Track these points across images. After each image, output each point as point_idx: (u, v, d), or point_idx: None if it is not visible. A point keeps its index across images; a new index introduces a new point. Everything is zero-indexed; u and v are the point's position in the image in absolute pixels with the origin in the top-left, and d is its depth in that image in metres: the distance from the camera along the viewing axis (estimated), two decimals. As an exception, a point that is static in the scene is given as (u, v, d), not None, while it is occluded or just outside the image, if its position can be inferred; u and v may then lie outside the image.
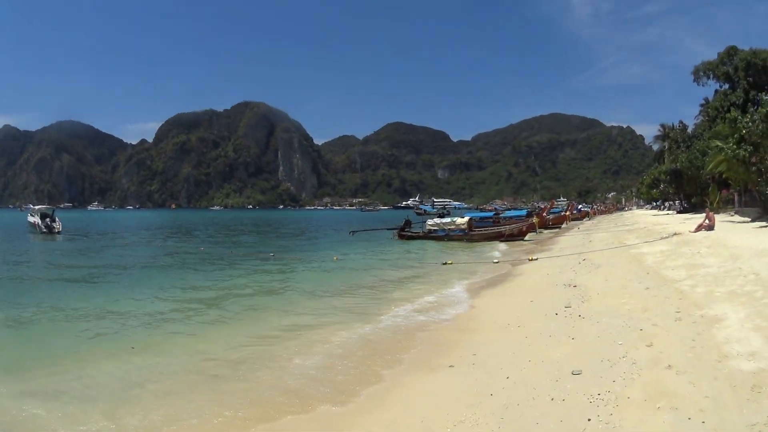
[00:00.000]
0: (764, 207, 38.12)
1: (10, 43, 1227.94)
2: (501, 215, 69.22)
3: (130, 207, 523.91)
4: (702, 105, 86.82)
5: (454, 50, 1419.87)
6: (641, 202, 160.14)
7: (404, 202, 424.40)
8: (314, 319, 16.71)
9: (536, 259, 30.46)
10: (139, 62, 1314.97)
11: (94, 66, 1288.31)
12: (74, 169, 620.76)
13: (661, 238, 29.10)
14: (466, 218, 54.34)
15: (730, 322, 10.23)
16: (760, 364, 7.79)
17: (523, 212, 69.35)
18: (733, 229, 30.11)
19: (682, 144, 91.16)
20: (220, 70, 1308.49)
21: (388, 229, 61.61)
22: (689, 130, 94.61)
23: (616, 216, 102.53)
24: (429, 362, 11.62)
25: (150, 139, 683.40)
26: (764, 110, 33.86)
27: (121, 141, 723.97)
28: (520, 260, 31.75)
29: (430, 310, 17.55)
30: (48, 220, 69.61)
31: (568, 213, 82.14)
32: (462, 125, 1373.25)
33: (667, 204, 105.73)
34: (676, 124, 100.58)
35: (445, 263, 31.76)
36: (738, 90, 73.80)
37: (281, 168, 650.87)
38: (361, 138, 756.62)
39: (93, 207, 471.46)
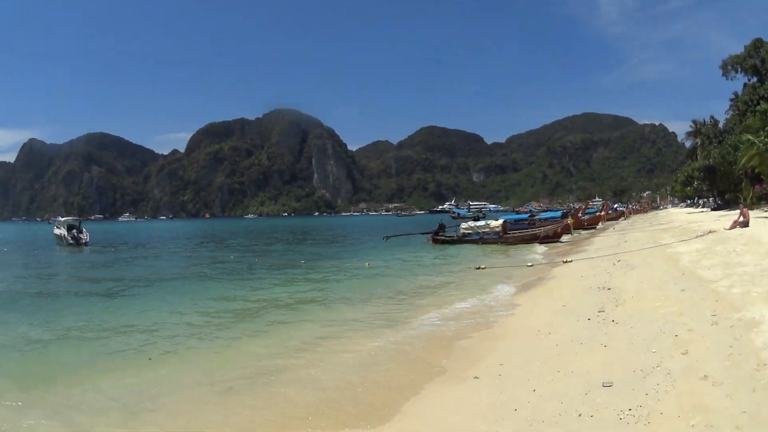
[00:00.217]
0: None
1: (35, 58, 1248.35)
2: (536, 217, 68.57)
3: (163, 217, 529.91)
4: (732, 99, 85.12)
5: (485, 52, 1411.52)
6: (676, 200, 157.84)
7: (440, 206, 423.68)
8: (340, 329, 16.33)
9: (571, 261, 29.89)
10: (168, 73, 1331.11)
11: (123, 78, 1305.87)
12: (105, 180, 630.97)
13: (696, 237, 28.25)
14: (501, 221, 53.62)
15: (768, 326, 9.67)
16: (803, 372, 7.27)
17: (558, 213, 68.49)
18: (768, 225, 29.30)
19: (714, 140, 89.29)
20: (251, 78, 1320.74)
21: (422, 234, 61.01)
22: (720, 125, 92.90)
23: (651, 215, 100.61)
24: (454, 373, 11.23)
25: (181, 150, 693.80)
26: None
27: (152, 152, 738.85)
28: (554, 263, 31.17)
29: (461, 318, 17.10)
30: (75, 231, 69.52)
31: (603, 213, 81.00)
32: (495, 127, 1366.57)
33: (701, 201, 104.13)
34: (707, 119, 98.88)
35: (479, 267, 31.10)
36: (767, 82, 72.45)
37: (316, 175, 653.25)
38: (395, 143, 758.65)
39: (124, 218, 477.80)
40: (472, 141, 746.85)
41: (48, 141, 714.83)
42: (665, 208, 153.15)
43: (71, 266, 42.35)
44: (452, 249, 48.35)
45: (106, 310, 20.16)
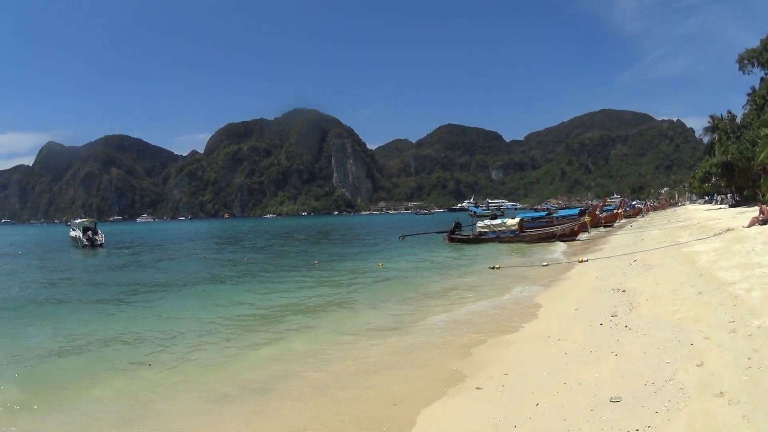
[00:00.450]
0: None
1: (53, 61, 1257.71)
2: (553, 215, 67.97)
3: (183, 218, 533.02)
4: (749, 94, 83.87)
5: (503, 50, 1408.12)
6: (694, 197, 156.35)
7: (459, 204, 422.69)
8: (344, 334, 15.79)
9: (586, 261, 29.24)
10: (186, 74, 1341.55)
11: (142, 80, 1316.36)
12: (124, 182, 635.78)
13: (714, 235, 27.42)
14: (517, 219, 52.99)
15: (791, 336, 8.96)
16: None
17: (576, 211, 67.78)
18: (789, 223, 28.42)
19: (731, 135, 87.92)
20: (269, 78, 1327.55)
21: (438, 233, 60.48)
22: (738, 120, 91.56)
23: (669, 212, 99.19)
24: (456, 383, 10.64)
25: (201, 150, 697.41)
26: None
27: (171, 153, 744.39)
28: (570, 262, 30.55)
29: (470, 322, 16.44)
30: (90, 233, 68.85)
31: (620, 211, 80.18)
32: (514, 125, 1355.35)
33: (719, 198, 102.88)
34: (725, 114, 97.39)
35: (493, 267, 30.62)
36: (784, 76, 71.45)
37: (335, 174, 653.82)
38: (414, 141, 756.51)
39: (142, 219, 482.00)
40: (491, 138, 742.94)
41: (66, 144, 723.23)
42: (683, 204, 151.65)
43: (83, 270, 41.87)
44: (468, 248, 47.88)
45: (109, 317, 19.59)
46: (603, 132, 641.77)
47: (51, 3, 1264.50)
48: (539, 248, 42.83)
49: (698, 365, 8.45)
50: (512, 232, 50.54)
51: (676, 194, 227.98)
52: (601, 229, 61.63)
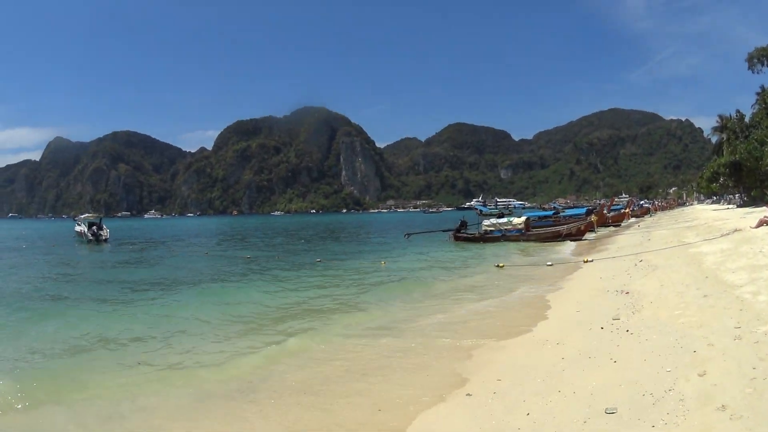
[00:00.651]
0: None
1: (61, 56, 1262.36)
2: (561, 214, 67.56)
3: (191, 214, 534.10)
4: (758, 93, 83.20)
5: (512, 49, 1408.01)
6: (702, 197, 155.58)
7: (467, 203, 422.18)
8: (337, 334, 15.33)
9: (591, 261, 28.72)
10: (196, 71, 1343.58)
11: (150, 76, 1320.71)
12: (132, 178, 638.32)
13: (722, 236, 26.89)
14: (523, 218, 52.67)
15: (799, 344, 8.45)
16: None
17: (583, 210, 67.25)
18: (798, 224, 27.86)
19: (740, 134, 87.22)
20: (279, 76, 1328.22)
21: (443, 231, 59.96)
22: (746, 119, 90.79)
23: (677, 212, 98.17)
24: (447, 389, 10.17)
25: (209, 147, 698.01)
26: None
27: (179, 149, 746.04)
28: (574, 262, 30.06)
29: (467, 322, 15.99)
30: (95, 228, 69.08)
31: (627, 210, 79.62)
32: (523, 124, 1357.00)
33: (727, 198, 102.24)
34: (734, 114, 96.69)
35: (497, 266, 30.33)
36: (794, 75, 70.83)
37: (344, 172, 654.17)
38: (423, 140, 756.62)
39: (150, 215, 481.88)
40: (500, 137, 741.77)
41: (74, 139, 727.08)
42: (691, 204, 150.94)
43: (84, 265, 41.22)
44: (473, 247, 47.56)
45: (104, 315, 19.08)
46: (612, 131, 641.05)
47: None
48: (545, 247, 42.45)
49: (700, 375, 7.96)
50: (518, 231, 50.09)
51: (684, 194, 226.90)
52: (610, 228, 61.08)
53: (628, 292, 16.55)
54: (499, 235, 50.66)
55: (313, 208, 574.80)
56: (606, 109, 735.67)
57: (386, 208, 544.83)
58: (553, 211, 72.29)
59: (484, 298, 20.24)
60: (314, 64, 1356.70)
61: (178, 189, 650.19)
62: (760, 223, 27.46)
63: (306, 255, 44.33)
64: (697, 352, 9.11)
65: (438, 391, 10.07)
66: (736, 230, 27.66)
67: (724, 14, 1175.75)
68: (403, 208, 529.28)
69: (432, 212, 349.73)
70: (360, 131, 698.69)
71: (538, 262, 32.05)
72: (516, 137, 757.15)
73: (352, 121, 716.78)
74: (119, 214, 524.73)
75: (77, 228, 76.25)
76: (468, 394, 9.63)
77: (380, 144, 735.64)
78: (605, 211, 66.02)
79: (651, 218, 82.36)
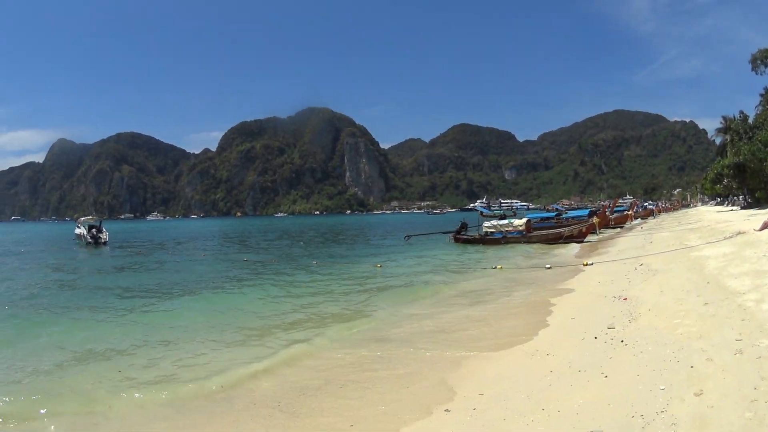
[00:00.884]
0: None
1: (64, 59, 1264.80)
2: (563, 215, 67.11)
3: (194, 216, 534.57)
4: (762, 94, 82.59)
5: (516, 49, 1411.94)
6: (706, 199, 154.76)
7: (471, 204, 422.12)
8: (313, 341, 14.77)
9: (591, 264, 28.00)
10: (199, 72, 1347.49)
11: (154, 78, 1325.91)
12: (135, 179, 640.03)
13: (725, 238, 26.16)
14: (524, 220, 52.12)
15: (806, 360, 7.72)
16: None
17: (586, 212, 66.78)
18: (804, 227, 27.12)
19: (743, 135, 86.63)
20: (283, 77, 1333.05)
21: (443, 233, 59.91)
22: (750, 120, 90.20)
23: (681, 213, 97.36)
24: (424, 403, 9.58)
25: (213, 149, 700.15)
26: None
27: (183, 151, 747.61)
28: (573, 265, 29.28)
29: (454, 329, 15.40)
30: (94, 230, 69.09)
31: (630, 212, 78.99)
32: (527, 124, 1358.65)
33: (731, 199, 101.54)
34: (737, 115, 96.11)
35: (495, 268, 30.15)
36: (798, 76, 70.26)
37: (348, 173, 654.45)
38: (427, 140, 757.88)
39: (152, 217, 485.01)
40: (504, 138, 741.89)
41: (78, 141, 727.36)
42: (695, 206, 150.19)
43: (80, 270, 40.10)
44: (473, 248, 47.35)
45: (88, 324, 18.39)
46: (616, 133, 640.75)
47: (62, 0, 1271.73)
48: (548, 249, 42.02)
49: (696, 394, 7.25)
50: (519, 232, 49.68)
51: (689, 196, 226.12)
52: (615, 229, 60.51)
53: (626, 298, 15.87)
54: (500, 237, 50.29)
55: (317, 210, 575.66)
56: (610, 110, 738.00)
57: (390, 210, 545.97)
58: (555, 213, 71.82)
59: (477, 303, 19.64)
60: (318, 64, 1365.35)
61: (181, 190, 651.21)
62: (765, 226, 26.64)
63: (303, 259, 43.48)
64: (694, 367, 8.40)
65: (417, 406, 9.48)
66: (739, 233, 26.86)
67: (727, 16, 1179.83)
68: (407, 209, 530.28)
69: (436, 213, 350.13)
70: (364, 132, 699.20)
71: (537, 264, 31.50)
72: (520, 138, 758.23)
73: (357, 122, 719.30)
74: (122, 216, 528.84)
75: (77, 231, 76.41)
76: (446, 410, 9.04)
77: (384, 145, 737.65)
78: (608, 213, 65.30)
79: (654, 220, 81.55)
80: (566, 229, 49.36)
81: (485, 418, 8.34)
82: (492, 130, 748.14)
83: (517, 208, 72.49)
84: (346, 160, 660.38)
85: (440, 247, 49.29)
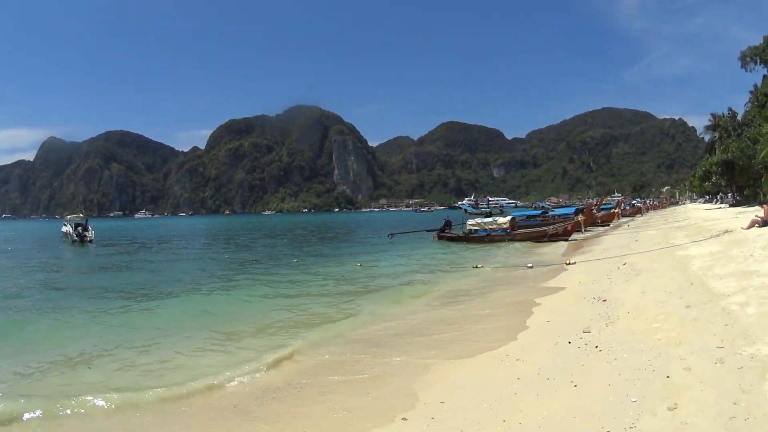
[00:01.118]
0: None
1: (53, 57, 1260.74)
2: (549, 213, 66.75)
3: (183, 214, 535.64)
4: (752, 91, 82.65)
5: (505, 47, 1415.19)
6: (694, 196, 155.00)
7: (459, 202, 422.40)
8: (282, 354, 13.70)
9: (574, 263, 27.45)
10: (188, 70, 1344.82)
11: (142, 76, 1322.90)
12: (124, 177, 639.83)
13: (711, 237, 25.60)
14: (508, 218, 51.82)
15: (792, 372, 7.08)
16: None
17: (572, 210, 66.43)
18: (792, 225, 26.58)
19: (732, 132, 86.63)
20: (271, 75, 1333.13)
21: (427, 231, 59.78)
22: (739, 117, 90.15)
23: (669, 211, 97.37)
24: (382, 409, 9.16)
25: (202, 146, 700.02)
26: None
27: (172, 149, 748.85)
28: (556, 264, 28.69)
29: (428, 330, 14.87)
30: (80, 229, 69.00)
31: (617, 210, 78.65)
32: (515, 122, 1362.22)
33: (719, 197, 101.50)
34: (726, 112, 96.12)
35: (476, 266, 29.66)
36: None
37: (336, 171, 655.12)
38: (415, 138, 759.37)
39: (140, 215, 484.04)
40: (493, 136, 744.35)
41: (67, 140, 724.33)
42: (684, 203, 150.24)
43: (63, 269, 39.29)
44: (457, 246, 47.04)
45: (67, 327, 17.46)
46: (605, 130, 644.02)
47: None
48: (533, 248, 41.55)
49: (670, 408, 6.61)
50: (503, 230, 49.34)
51: (677, 193, 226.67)
52: (599, 228, 60.09)
53: (605, 300, 15.30)
54: (484, 234, 49.96)
55: (305, 207, 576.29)
56: (599, 108, 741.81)
57: (378, 207, 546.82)
58: (541, 211, 71.45)
59: (452, 304, 19.09)
60: (307, 63, 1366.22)
61: (170, 188, 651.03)
62: (752, 224, 26.14)
63: (285, 257, 42.74)
64: (670, 377, 7.75)
65: (377, 413, 9.04)
66: (726, 231, 26.36)
67: (716, 14, 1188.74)
68: (396, 206, 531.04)
69: (424, 211, 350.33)
70: (352, 130, 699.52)
71: (518, 263, 30.88)
72: (509, 136, 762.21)
73: (345, 119, 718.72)
74: (111, 214, 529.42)
75: (64, 228, 76.58)
76: (404, 419, 8.54)
77: (373, 143, 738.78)
78: (594, 211, 64.85)
79: (642, 218, 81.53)
80: (551, 227, 48.86)
81: (441, 428, 7.86)
82: (480, 128, 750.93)
83: (503, 206, 71.97)
84: (334, 158, 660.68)
85: (424, 246, 48.75)
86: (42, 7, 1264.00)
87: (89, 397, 10.20)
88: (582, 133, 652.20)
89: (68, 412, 9.79)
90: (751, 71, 79.01)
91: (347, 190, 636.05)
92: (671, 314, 11.72)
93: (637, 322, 11.79)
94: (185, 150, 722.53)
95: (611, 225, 65.81)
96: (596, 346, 10.49)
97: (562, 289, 19.90)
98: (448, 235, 53.70)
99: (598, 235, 48.95)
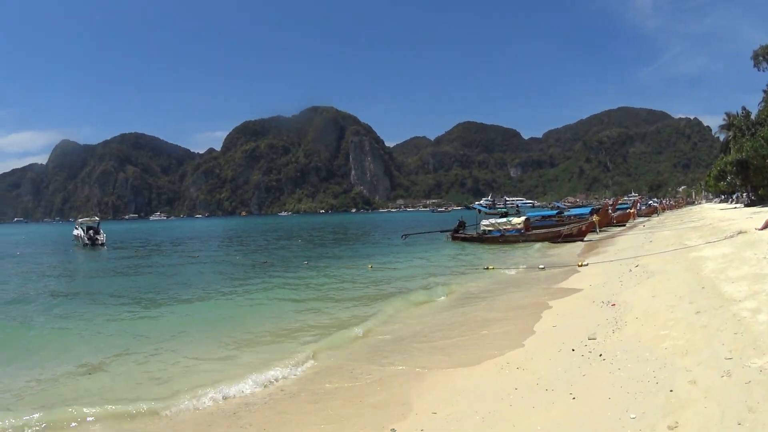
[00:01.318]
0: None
1: (66, 59, 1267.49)
2: (565, 213, 66.23)
3: (199, 216, 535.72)
4: (765, 90, 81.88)
5: (520, 47, 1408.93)
6: (710, 196, 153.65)
7: (476, 203, 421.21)
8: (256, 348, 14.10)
9: (586, 265, 26.92)
10: (203, 72, 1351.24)
11: (157, 79, 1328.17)
12: (140, 180, 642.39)
13: (725, 238, 25.01)
14: (522, 218, 51.30)
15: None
16: None
17: (588, 210, 65.87)
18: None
19: (746, 132, 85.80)
20: (287, 75, 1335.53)
21: (441, 232, 59.61)
22: (753, 116, 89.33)
23: (684, 211, 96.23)
24: (372, 419, 8.86)
25: (218, 148, 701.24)
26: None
27: (188, 151, 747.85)
28: (568, 266, 28.12)
29: (429, 336, 14.53)
30: (92, 232, 68.70)
31: (633, 210, 77.92)
32: (532, 122, 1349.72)
33: (734, 197, 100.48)
34: (740, 112, 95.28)
35: (487, 268, 29.35)
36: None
37: (353, 171, 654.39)
38: (432, 139, 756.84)
39: (155, 217, 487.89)
40: (510, 136, 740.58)
41: (81, 142, 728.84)
42: (700, 203, 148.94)
43: (70, 274, 38.78)
44: (470, 247, 46.85)
45: (66, 333, 17.33)
46: (621, 130, 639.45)
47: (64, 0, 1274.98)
48: (546, 248, 41.42)
49: (671, 427, 6.15)
50: (517, 231, 48.90)
51: (693, 193, 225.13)
52: (616, 228, 59.60)
53: (614, 304, 14.76)
54: (498, 235, 49.59)
55: (322, 208, 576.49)
56: (615, 107, 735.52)
57: (396, 208, 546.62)
58: (556, 211, 70.90)
59: (458, 307, 18.80)
60: (322, 63, 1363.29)
61: (186, 190, 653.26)
62: (766, 225, 25.52)
63: (296, 260, 42.29)
64: (674, 391, 7.28)
65: (368, 423, 8.79)
66: (740, 232, 25.68)
67: (728, 14, 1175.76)
68: (413, 207, 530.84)
69: (441, 211, 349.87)
70: (369, 130, 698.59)
71: (530, 264, 30.60)
72: (525, 136, 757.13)
73: (361, 120, 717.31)
74: (126, 217, 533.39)
75: (75, 232, 75.71)
76: (393, 430, 8.19)
77: (389, 143, 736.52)
78: (610, 211, 64.23)
79: (657, 218, 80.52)
80: (565, 227, 48.45)
81: (432, 442, 7.32)
82: (497, 128, 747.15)
83: (518, 206, 71.66)
84: (351, 159, 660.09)
85: (437, 247, 48.51)
86: (52, 8, 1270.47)
87: (83, 407, 10.02)
88: (598, 133, 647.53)
89: (55, 421, 9.58)
90: (763, 70, 78.63)
91: (364, 191, 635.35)
92: (680, 320, 11.21)
93: (645, 329, 11.31)
94: (201, 152, 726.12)
95: (627, 225, 65.13)
96: (600, 355, 10.04)
97: (573, 292, 19.42)
98: (462, 235, 53.49)
99: (613, 236, 48.35)
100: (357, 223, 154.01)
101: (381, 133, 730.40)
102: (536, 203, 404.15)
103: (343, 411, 9.38)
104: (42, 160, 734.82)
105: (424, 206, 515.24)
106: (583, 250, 37.94)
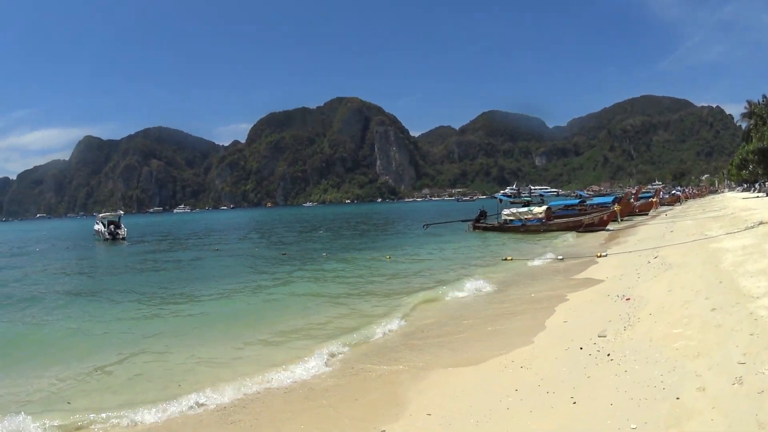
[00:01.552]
0: None
1: (86, 57, 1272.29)
2: (588, 202, 65.38)
3: (224, 207, 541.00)
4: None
5: (544, 36, 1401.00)
6: (733, 184, 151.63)
7: (501, 192, 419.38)
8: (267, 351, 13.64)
9: (605, 256, 26.32)
10: (227, 65, 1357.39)
11: (181, 72, 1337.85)
12: (164, 173, 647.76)
13: (746, 228, 24.21)
14: (544, 207, 50.62)
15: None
16: None
17: (610, 199, 64.92)
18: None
19: (767, 120, 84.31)
20: (311, 67, 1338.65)
21: (462, 221, 58.99)
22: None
23: (707, 200, 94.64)
24: (363, 419, 8.61)
25: (242, 140, 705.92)
26: None
27: (213, 143, 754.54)
28: (587, 257, 27.51)
29: (434, 332, 14.23)
30: (113, 226, 69.10)
31: (656, 199, 76.79)
32: (556, 111, 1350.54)
33: (757, 185, 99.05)
34: (761, 100, 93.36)
35: (505, 259, 28.97)
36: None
37: (378, 161, 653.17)
38: (457, 128, 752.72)
39: (179, 210, 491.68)
40: (534, 125, 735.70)
41: (105, 138, 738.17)
42: (722, 192, 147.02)
43: (88, 271, 38.30)
44: (492, 237, 46.36)
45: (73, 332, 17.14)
46: (644, 118, 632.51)
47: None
48: (563, 238, 40.61)
49: (674, 441, 5.66)
50: (539, 220, 48.35)
51: (716, 181, 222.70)
52: (638, 217, 58.79)
53: (629, 298, 14.17)
54: (519, 224, 49.16)
55: (348, 198, 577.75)
56: (638, 96, 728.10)
57: (421, 197, 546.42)
58: (579, 200, 70.09)
59: (471, 301, 18.47)
60: (347, 54, 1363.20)
61: (211, 183, 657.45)
62: (788, 215, 24.70)
63: (314, 252, 41.71)
64: (680, 399, 6.75)
65: (360, 424, 8.48)
66: (761, 223, 24.89)
67: (750, 1, 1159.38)
68: (438, 196, 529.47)
69: (466, 200, 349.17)
70: (394, 120, 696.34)
71: (550, 255, 29.75)
72: (550, 124, 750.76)
73: (386, 110, 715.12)
74: (151, 210, 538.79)
75: (96, 227, 76.21)
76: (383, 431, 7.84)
77: (414, 133, 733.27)
78: (632, 200, 63.31)
79: (680, 207, 79.27)
80: (586, 216, 47.70)
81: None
82: (521, 117, 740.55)
83: (542, 195, 70.77)
84: (376, 149, 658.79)
85: (458, 237, 47.78)
86: (74, 6, 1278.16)
87: (95, 406, 10.01)
88: (622, 121, 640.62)
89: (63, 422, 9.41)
90: None
91: (390, 181, 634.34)
92: (695, 317, 10.59)
93: (658, 326, 10.73)
94: (225, 144, 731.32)
95: (649, 214, 64.17)
96: (608, 354, 9.54)
97: (589, 284, 18.89)
98: (483, 225, 53.17)
99: (634, 225, 47.55)
100: (382, 213, 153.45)
101: (406, 123, 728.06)
102: (560, 192, 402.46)
103: (336, 410, 9.16)
104: (64, 156, 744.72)
105: (450, 195, 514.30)
106: (605, 240, 37.31)
